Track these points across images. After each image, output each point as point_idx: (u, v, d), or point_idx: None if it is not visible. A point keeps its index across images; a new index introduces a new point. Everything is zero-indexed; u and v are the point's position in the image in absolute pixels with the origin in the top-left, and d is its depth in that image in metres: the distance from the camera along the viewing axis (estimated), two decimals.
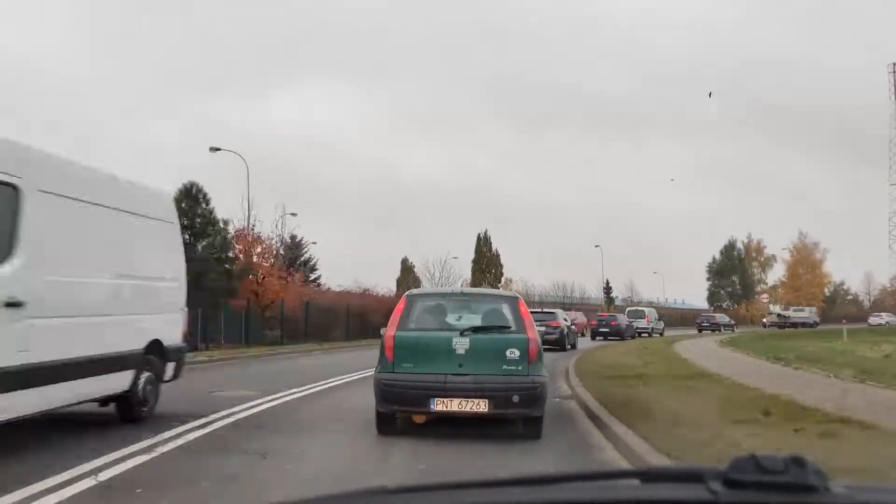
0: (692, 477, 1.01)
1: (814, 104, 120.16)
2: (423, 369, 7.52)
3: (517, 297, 8.55)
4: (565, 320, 28.30)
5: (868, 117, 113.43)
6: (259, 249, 29.01)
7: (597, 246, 73.82)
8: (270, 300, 27.69)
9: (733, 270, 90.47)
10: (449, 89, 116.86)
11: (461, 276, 62.71)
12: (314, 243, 54.55)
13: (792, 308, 69.34)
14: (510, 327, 7.92)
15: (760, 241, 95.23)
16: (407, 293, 8.68)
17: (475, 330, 7.81)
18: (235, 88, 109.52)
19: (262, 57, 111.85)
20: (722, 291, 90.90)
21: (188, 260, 9.96)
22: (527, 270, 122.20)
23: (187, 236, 25.36)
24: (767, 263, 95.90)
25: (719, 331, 53.68)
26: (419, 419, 8.10)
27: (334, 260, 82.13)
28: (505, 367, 7.54)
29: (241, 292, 26.82)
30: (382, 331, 7.95)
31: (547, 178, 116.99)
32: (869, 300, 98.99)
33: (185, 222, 25.28)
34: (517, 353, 7.57)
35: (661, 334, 46.32)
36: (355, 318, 34.27)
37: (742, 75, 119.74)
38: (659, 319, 50.18)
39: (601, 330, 38.98)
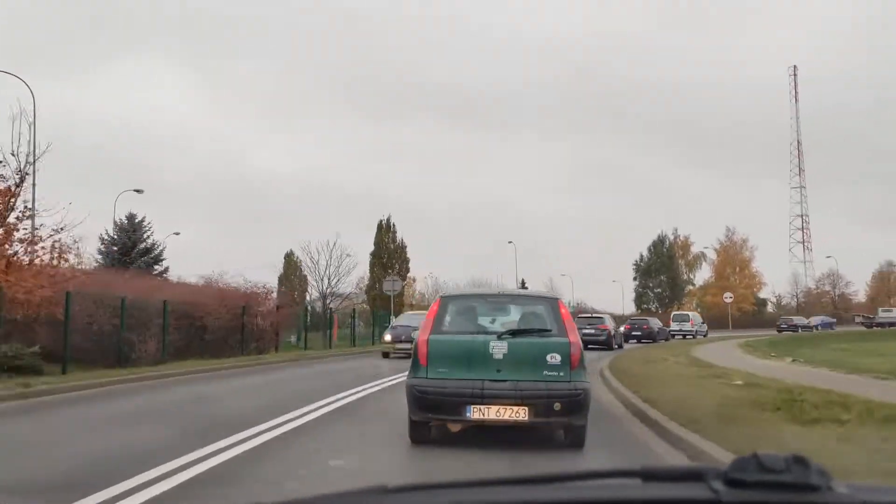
0: (693, 476, 0.99)
1: (722, 111, 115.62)
2: (458, 375, 7.22)
3: (557, 299, 8.21)
4: (613, 323, 32.03)
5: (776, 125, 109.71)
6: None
7: (510, 242, 67.80)
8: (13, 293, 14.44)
9: (662, 269, 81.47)
10: (339, 82, 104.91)
11: (357, 263, 49.25)
12: (177, 234, 44.88)
13: (880, 309, 73.86)
14: (550, 330, 7.48)
15: (688, 238, 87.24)
16: (440, 294, 8.38)
17: (514, 333, 7.45)
18: (51, 68, 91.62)
19: (82, 34, 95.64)
20: (650, 293, 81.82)
21: None
22: (437, 267, 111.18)
23: None
24: (695, 263, 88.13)
25: (797, 331, 56.89)
26: (455, 428, 7.66)
27: (210, 258, 69.99)
28: (546, 372, 7.19)
29: None
30: (414, 334, 8.22)
31: (450, 178, 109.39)
32: (796, 302, 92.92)
33: None
34: (558, 357, 7.21)
35: (705, 335, 46.99)
36: (185, 325, 20.90)
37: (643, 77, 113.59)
38: (703, 323, 51.20)
39: (633, 333, 39.19)
